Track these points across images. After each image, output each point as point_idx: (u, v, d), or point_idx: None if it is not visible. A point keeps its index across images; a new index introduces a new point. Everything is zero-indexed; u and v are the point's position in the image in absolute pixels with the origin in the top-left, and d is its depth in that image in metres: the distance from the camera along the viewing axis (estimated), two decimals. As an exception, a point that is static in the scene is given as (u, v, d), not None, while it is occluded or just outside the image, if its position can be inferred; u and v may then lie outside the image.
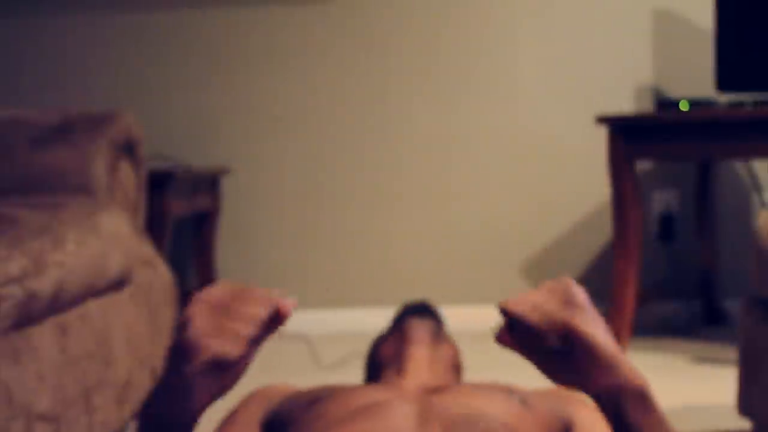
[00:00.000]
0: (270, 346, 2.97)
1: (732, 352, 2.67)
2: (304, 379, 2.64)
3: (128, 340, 1.99)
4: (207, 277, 3.09)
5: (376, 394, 1.29)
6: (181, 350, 0.95)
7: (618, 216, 2.70)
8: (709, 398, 2.25)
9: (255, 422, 1.39)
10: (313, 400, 1.31)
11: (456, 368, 1.55)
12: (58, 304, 1.67)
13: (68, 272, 1.69)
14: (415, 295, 3.24)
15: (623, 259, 2.70)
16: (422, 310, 1.57)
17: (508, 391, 1.30)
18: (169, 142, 3.23)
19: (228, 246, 3.23)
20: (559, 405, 1.41)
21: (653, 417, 1.11)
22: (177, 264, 3.05)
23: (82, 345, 1.74)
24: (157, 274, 2.27)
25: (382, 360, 1.53)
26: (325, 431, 1.20)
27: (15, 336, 1.51)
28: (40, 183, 2.12)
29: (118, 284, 1.99)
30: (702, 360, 2.63)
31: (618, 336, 2.70)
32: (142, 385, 2.08)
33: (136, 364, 2.03)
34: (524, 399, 1.31)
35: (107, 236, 1.93)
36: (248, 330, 0.94)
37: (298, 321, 3.21)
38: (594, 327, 1.08)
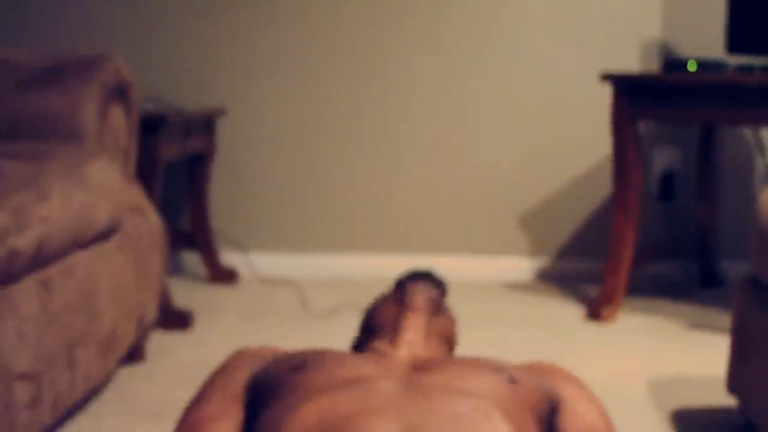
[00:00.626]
0: (261, 292, 2.96)
1: (727, 318, 2.65)
2: (293, 328, 2.62)
3: (114, 291, 1.96)
4: (200, 220, 3.05)
5: (363, 367, 1.26)
6: None
7: (618, 176, 2.66)
8: (700, 369, 2.24)
9: (239, 385, 1.37)
10: (298, 366, 1.28)
11: (450, 341, 1.52)
12: (41, 259, 1.63)
13: (52, 227, 1.66)
14: (411, 243, 3.22)
15: (622, 220, 2.67)
16: (426, 277, 1.53)
17: (498, 369, 1.28)
18: (164, 83, 3.17)
19: (222, 187, 3.19)
20: (546, 381, 1.39)
21: None
22: (169, 206, 3.01)
23: (65, 300, 1.71)
24: (147, 222, 2.24)
25: (378, 323, 1.48)
26: (305, 399, 1.17)
27: (-6, 294, 1.48)
28: (28, 128, 2.07)
29: (105, 234, 1.96)
30: (696, 326, 2.61)
31: (612, 297, 2.68)
32: (127, 335, 2.07)
33: (122, 314, 2.01)
34: (513, 377, 1.28)
35: (95, 188, 1.88)
36: None
37: (290, 265, 3.19)
38: None
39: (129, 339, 2.08)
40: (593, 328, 2.62)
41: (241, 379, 1.38)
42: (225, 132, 3.16)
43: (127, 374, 2.15)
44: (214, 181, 3.14)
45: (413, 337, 1.43)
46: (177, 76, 3.19)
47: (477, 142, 3.20)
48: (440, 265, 3.08)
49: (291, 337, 2.51)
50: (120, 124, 2.22)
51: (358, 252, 3.22)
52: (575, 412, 1.36)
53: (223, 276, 3.09)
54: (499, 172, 3.20)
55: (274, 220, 3.24)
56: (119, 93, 2.20)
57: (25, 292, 1.57)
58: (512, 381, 1.28)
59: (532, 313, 2.79)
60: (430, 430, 1.07)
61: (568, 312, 2.78)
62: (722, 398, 1.96)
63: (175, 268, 3.17)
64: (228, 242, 3.20)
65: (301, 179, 3.23)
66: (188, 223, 3.11)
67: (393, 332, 1.43)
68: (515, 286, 3.11)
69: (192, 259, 3.18)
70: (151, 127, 2.44)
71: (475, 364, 1.29)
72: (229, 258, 3.19)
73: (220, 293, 2.99)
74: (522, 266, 3.20)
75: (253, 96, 3.20)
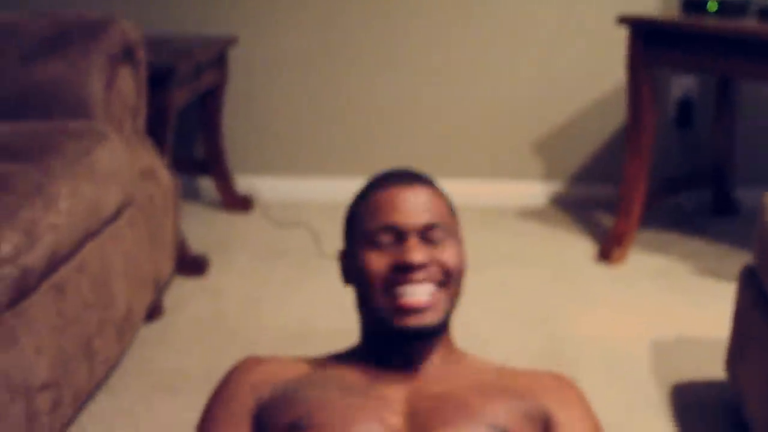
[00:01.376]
0: (274, 226, 2.99)
1: (738, 256, 2.67)
2: (307, 270, 2.67)
3: (127, 268, 2.00)
4: (213, 147, 3.06)
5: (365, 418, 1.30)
6: None
7: (632, 119, 2.63)
8: (705, 328, 2.27)
9: (246, 416, 1.41)
10: (295, 425, 1.31)
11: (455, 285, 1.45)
12: (53, 265, 1.67)
13: (62, 232, 1.69)
14: (425, 167, 3.19)
15: (634, 163, 2.66)
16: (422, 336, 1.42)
17: (489, 426, 1.31)
18: (174, 13, 3.12)
19: (235, 116, 3.18)
20: (545, 400, 1.42)
21: None
22: (183, 133, 3.02)
23: (80, 298, 1.76)
24: (158, 184, 2.26)
25: (374, 277, 1.40)
26: None
27: (9, 316, 1.53)
28: (33, 101, 2.06)
29: (115, 215, 1.98)
30: (705, 271, 2.63)
31: (623, 239, 2.70)
32: (144, 303, 2.12)
33: (137, 287, 2.06)
34: (504, 429, 1.32)
35: (103, 175, 1.90)
36: None
37: (304, 190, 3.21)
38: None
39: (145, 306, 2.14)
40: (602, 272, 2.65)
41: (248, 406, 1.42)
42: (237, 58, 3.13)
43: (145, 336, 2.22)
44: (227, 107, 3.12)
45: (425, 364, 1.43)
46: (188, 4, 3.14)
47: (493, 66, 3.15)
48: (453, 189, 3.10)
49: (305, 280, 2.57)
50: (128, 85, 2.21)
51: (371, 176, 3.22)
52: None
53: (238, 203, 3.12)
54: (515, 96, 3.17)
55: (288, 145, 3.24)
56: (126, 55, 2.18)
57: (40, 303, 1.62)
58: None
59: (542, 249, 2.82)
60: None
61: (579, 249, 2.80)
62: (719, 367, 2.00)
63: (190, 195, 3.20)
64: (242, 168, 3.22)
65: (312, 105, 3.21)
66: (202, 150, 3.12)
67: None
68: (528, 213, 3.13)
69: (207, 185, 3.21)
70: (160, 78, 2.42)
71: (468, 417, 1.32)
72: (244, 184, 3.22)
73: (235, 226, 3.02)
74: (536, 191, 3.21)
75: (265, 22, 3.14)
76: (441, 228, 1.43)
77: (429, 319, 1.38)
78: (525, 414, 1.38)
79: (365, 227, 1.42)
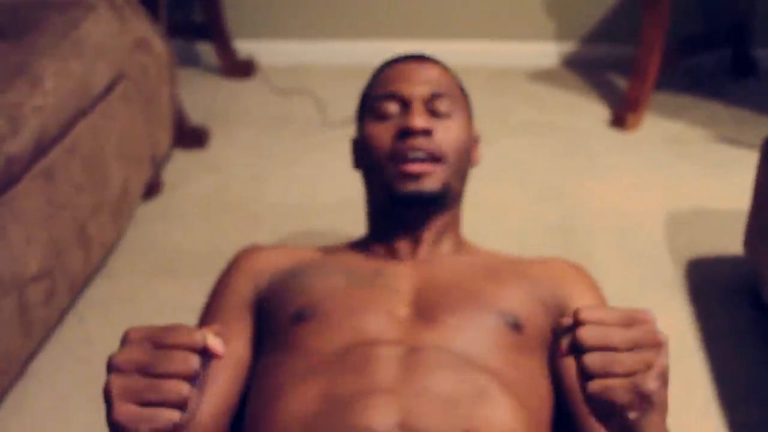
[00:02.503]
0: (276, 94, 2.88)
1: (756, 120, 2.57)
2: (311, 139, 2.58)
3: (122, 146, 1.93)
4: (212, 12, 2.92)
5: (365, 323, 1.23)
6: None
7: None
8: (720, 198, 2.20)
9: (245, 303, 1.37)
10: (298, 316, 1.26)
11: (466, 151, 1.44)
12: (41, 150, 1.59)
13: (49, 114, 1.60)
14: (432, 28, 3.08)
15: (651, 19, 2.52)
16: (424, 203, 1.39)
17: (501, 312, 1.26)
18: None
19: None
20: (559, 290, 1.37)
21: None
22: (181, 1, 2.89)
23: (71, 183, 1.68)
24: (152, 55, 2.15)
25: (379, 147, 1.39)
26: (301, 379, 1.16)
27: (-4, 206, 1.46)
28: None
29: (107, 91, 1.89)
30: (722, 138, 2.53)
31: (637, 105, 2.59)
32: (141, 180, 2.05)
33: (133, 165, 1.99)
34: (517, 320, 1.27)
35: (92, 49, 1.80)
36: (180, 394, 0.81)
37: (306, 53, 3.09)
38: None
39: (143, 183, 2.07)
40: (616, 139, 2.56)
41: (246, 296, 1.37)
42: None
43: (144, 214, 2.16)
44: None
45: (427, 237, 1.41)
46: None
47: None
48: (462, 50, 2.98)
49: (310, 151, 2.49)
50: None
51: (377, 38, 3.09)
52: None
53: (238, 68, 3.01)
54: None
55: (290, 5, 3.09)
56: None
57: (28, 191, 1.55)
58: (516, 327, 1.26)
59: (554, 116, 2.71)
60: (425, 421, 1.08)
61: (592, 114, 2.70)
62: (737, 240, 1.94)
63: (188, 60, 3.08)
64: (243, 31, 3.09)
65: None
66: (200, 12, 2.98)
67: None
68: (539, 75, 3.00)
69: (206, 50, 3.09)
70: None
71: (477, 304, 1.27)
72: (244, 48, 3.09)
73: (236, 93, 2.91)
74: (547, 52, 3.08)
75: None
76: (447, 99, 1.41)
77: (428, 185, 1.35)
78: (539, 301, 1.33)
79: (372, 97, 1.42)
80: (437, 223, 1.43)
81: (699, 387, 1.62)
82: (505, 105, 2.78)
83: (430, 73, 1.42)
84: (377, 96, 1.41)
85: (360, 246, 1.47)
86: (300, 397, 1.13)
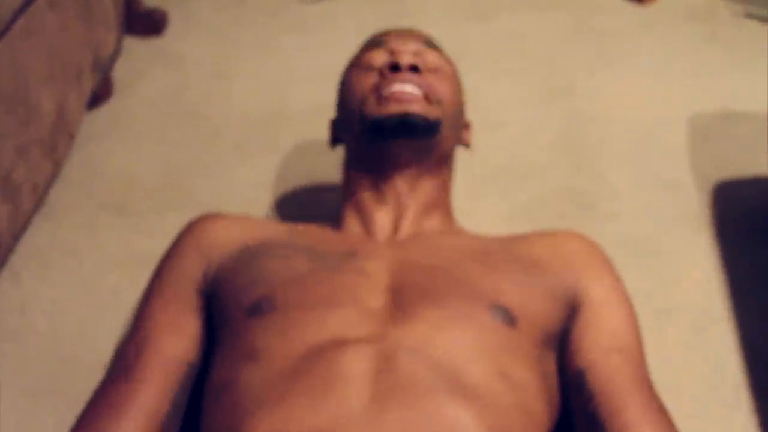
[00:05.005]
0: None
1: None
2: (283, 18, 2.27)
3: (52, 68, 1.62)
4: None
5: (332, 320, 1.03)
6: None
7: None
8: (753, 96, 1.91)
9: (195, 289, 1.17)
10: (253, 308, 1.06)
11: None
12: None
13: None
14: None
15: None
16: (410, 132, 1.21)
17: (493, 305, 1.04)
18: None
19: None
20: (567, 275, 1.15)
21: None
22: None
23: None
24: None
25: (361, 89, 1.24)
26: (256, 405, 0.97)
27: None
28: None
29: (28, 1, 1.57)
30: (753, 15, 2.21)
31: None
32: (82, 98, 1.77)
33: (69, 83, 1.69)
34: (511, 314, 1.05)
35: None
36: None
37: None
38: None
39: (84, 98, 1.79)
40: (631, 14, 2.23)
41: (197, 277, 1.17)
42: None
43: (90, 130, 1.87)
44: None
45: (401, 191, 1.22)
46: None
47: None
48: None
49: (280, 36, 2.18)
50: None
51: None
52: (596, 318, 1.14)
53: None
54: None
55: None
56: None
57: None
58: (509, 322, 1.04)
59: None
60: None
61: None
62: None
63: None
64: None
65: None
66: None
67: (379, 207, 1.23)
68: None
69: None
70: None
71: (464, 294, 1.05)
72: None
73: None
74: None
75: None
76: (440, 54, 1.28)
77: (415, 108, 1.17)
78: (540, 288, 1.11)
79: (356, 55, 1.32)
80: (425, 188, 1.23)
81: (728, 366, 1.36)
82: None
83: (419, 34, 1.32)
84: (361, 51, 1.31)
85: (333, 223, 1.25)
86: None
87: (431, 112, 1.19)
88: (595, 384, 1.05)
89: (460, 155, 1.66)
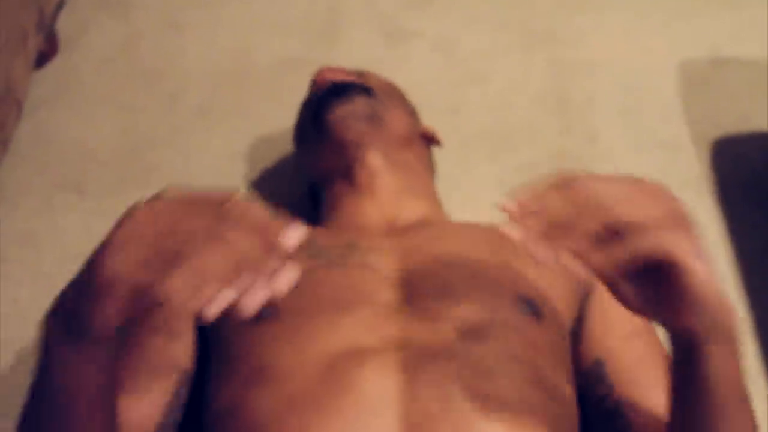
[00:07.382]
0: None
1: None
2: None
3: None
4: None
5: (344, 334, 0.92)
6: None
7: None
8: (747, 42, 1.79)
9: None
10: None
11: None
12: None
13: None
14: None
15: None
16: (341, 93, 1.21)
17: (518, 297, 0.95)
18: None
19: None
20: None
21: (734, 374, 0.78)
22: None
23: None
24: None
25: (325, 173, 1.22)
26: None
27: None
28: None
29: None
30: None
31: None
32: (28, 64, 1.60)
33: (11, 54, 1.53)
34: (537, 306, 0.96)
35: None
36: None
37: None
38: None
39: (30, 64, 1.62)
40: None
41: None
42: None
43: (37, 96, 1.70)
44: None
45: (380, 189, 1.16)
46: None
47: None
48: None
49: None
50: None
51: None
52: (611, 301, 1.06)
53: None
54: None
55: None
56: None
57: None
58: (536, 315, 0.95)
59: None
60: None
61: None
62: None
63: None
64: None
65: None
66: None
67: (353, 186, 1.18)
68: None
69: None
70: None
71: (487, 285, 0.95)
72: None
73: None
74: None
75: None
76: (377, 79, 1.31)
77: (344, 78, 1.26)
78: (557, 277, 1.03)
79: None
80: (398, 170, 1.18)
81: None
82: None
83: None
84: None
85: (316, 222, 1.16)
86: None
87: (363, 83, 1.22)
88: (615, 373, 0.97)
89: (446, 118, 1.56)
